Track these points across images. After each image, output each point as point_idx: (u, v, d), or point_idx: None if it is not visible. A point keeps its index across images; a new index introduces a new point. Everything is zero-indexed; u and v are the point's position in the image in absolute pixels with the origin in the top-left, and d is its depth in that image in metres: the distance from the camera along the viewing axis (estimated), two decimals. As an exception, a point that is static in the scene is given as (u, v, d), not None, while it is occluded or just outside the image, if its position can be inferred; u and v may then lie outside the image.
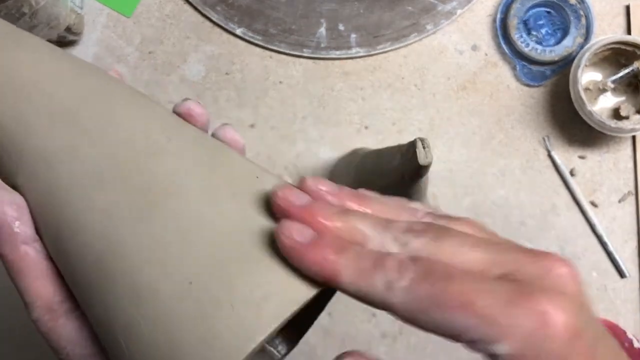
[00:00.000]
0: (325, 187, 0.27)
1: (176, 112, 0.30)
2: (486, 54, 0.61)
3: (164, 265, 0.24)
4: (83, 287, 0.26)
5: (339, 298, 0.64)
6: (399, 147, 0.41)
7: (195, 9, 0.62)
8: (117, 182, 0.25)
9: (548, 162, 0.60)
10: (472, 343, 0.22)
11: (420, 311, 0.22)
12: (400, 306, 0.23)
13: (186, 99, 0.31)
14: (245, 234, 0.24)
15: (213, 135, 0.31)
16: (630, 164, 0.60)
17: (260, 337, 0.22)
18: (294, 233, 0.24)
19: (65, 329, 0.28)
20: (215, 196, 0.25)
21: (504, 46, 0.61)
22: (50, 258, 0.27)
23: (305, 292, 0.23)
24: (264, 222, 0.25)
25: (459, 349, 0.23)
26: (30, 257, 0.27)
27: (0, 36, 0.28)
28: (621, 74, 0.58)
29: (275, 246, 0.24)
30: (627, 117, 0.57)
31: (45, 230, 0.27)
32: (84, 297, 0.26)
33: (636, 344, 0.57)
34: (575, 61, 0.58)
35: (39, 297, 0.27)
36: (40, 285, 0.27)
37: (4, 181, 0.28)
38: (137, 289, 0.24)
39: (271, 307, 0.22)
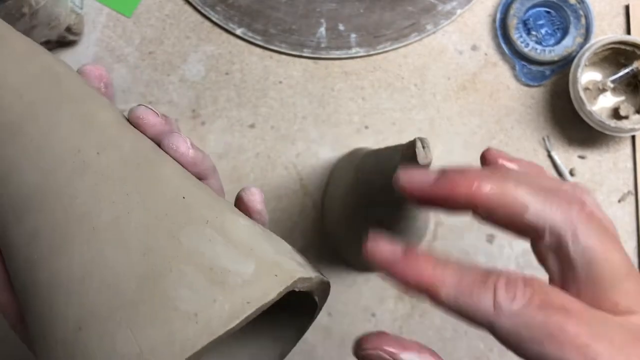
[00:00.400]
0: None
1: (128, 118, 0.29)
2: (486, 54, 0.61)
3: (60, 306, 0.22)
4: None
5: (338, 297, 0.64)
6: (399, 147, 0.41)
7: (195, 9, 0.62)
8: (41, 206, 0.24)
9: (548, 162, 0.60)
10: None
11: (530, 340, 0.21)
12: (507, 330, 0.21)
13: (139, 105, 0.29)
14: (141, 271, 0.22)
15: (161, 143, 0.29)
16: (630, 164, 0.60)
17: None
18: (384, 250, 0.23)
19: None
20: (125, 229, 0.23)
21: (503, 46, 0.61)
22: None
23: (187, 350, 0.21)
24: (162, 264, 0.22)
25: (459, 349, 0.23)
26: None
27: None
28: (621, 73, 0.58)
29: (163, 292, 0.22)
30: (626, 117, 0.57)
31: None
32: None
33: (636, 344, 0.57)
34: (575, 61, 0.58)
35: (5, 309, 0.27)
36: (4, 297, 0.27)
37: None
38: (40, 329, 0.23)
39: None
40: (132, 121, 0.29)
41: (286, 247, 0.26)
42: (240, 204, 0.30)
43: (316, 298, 0.26)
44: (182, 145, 0.28)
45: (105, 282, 0.22)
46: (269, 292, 0.22)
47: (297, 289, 0.24)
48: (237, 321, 0.21)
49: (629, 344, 0.21)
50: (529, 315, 0.21)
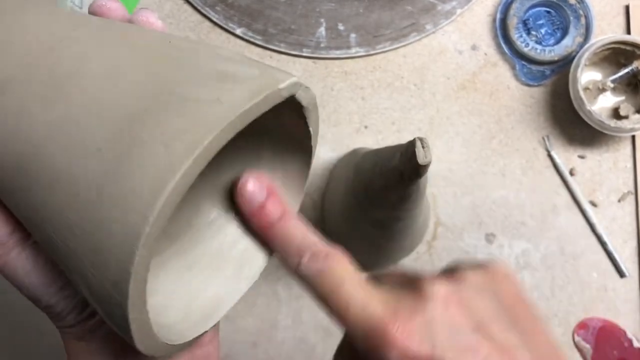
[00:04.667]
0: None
1: (92, 13, 0.30)
2: (486, 54, 0.61)
3: (73, 141, 0.23)
4: (16, 200, 0.25)
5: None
6: (398, 146, 0.41)
7: (195, 8, 0.62)
8: (23, 79, 0.25)
9: (548, 162, 0.60)
10: None
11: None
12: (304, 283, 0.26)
13: None
14: (151, 90, 0.23)
15: (131, 21, 0.30)
16: (630, 164, 0.60)
17: (174, 176, 0.21)
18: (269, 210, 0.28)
19: (19, 260, 0.28)
20: (122, 66, 0.24)
21: (503, 46, 0.61)
22: None
23: (219, 124, 0.22)
24: (172, 77, 0.24)
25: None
26: None
27: None
28: (621, 73, 0.58)
29: (180, 95, 0.23)
30: (626, 117, 0.57)
31: None
32: (20, 210, 0.26)
33: (636, 344, 0.57)
34: (575, 61, 0.58)
35: None
36: None
37: None
38: (54, 174, 0.23)
39: (182, 144, 0.21)
40: (97, 12, 0.30)
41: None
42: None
43: (308, 108, 0.28)
44: (152, 16, 0.30)
45: (118, 103, 0.23)
46: (279, 82, 0.24)
47: (297, 91, 0.26)
48: (260, 97, 0.22)
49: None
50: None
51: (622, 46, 0.57)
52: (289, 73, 0.25)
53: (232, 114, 0.22)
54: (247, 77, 0.23)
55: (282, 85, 0.24)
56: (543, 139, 0.60)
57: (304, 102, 0.26)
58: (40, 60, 0.25)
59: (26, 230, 0.27)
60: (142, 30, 0.27)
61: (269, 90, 0.23)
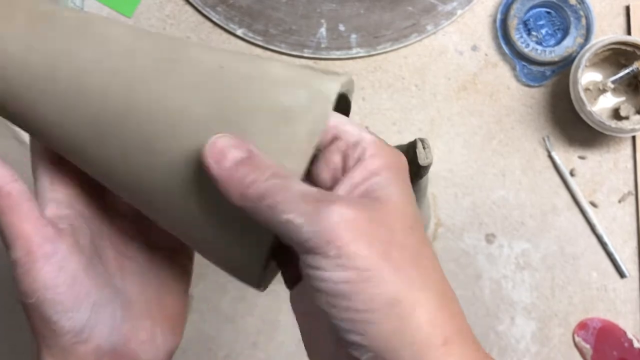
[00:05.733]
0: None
1: None
2: (486, 55, 0.61)
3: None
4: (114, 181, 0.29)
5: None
6: (399, 147, 0.41)
7: (196, 9, 0.62)
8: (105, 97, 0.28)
9: (548, 162, 0.60)
10: None
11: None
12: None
13: None
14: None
15: None
16: (630, 164, 0.60)
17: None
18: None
19: (41, 272, 0.28)
20: (190, 104, 0.27)
21: (504, 46, 0.61)
22: (32, 198, 0.29)
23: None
24: (235, 119, 0.26)
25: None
26: (13, 196, 0.28)
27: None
28: (621, 74, 0.58)
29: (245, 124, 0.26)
30: (627, 118, 0.57)
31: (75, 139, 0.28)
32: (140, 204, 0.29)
33: (636, 344, 0.57)
34: (576, 61, 0.58)
35: (19, 237, 0.28)
36: (22, 224, 0.28)
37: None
38: (169, 215, 0.28)
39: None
40: None
41: (312, 67, 0.29)
42: None
43: (349, 96, 0.30)
44: None
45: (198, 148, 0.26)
46: (328, 107, 0.26)
47: (344, 90, 0.28)
48: (316, 138, 0.25)
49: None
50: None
51: (623, 47, 0.57)
52: (335, 77, 0.27)
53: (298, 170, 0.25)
54: (302, 110, 0.26)
55: (331, 109, 0.26)
56: (543, 139, 0.60)
57: (348, 93, 0.29)
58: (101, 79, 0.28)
59: (55, 246, 0.29)
60: (191, 55, 0.29)
61: (323, 125, 0.26)
